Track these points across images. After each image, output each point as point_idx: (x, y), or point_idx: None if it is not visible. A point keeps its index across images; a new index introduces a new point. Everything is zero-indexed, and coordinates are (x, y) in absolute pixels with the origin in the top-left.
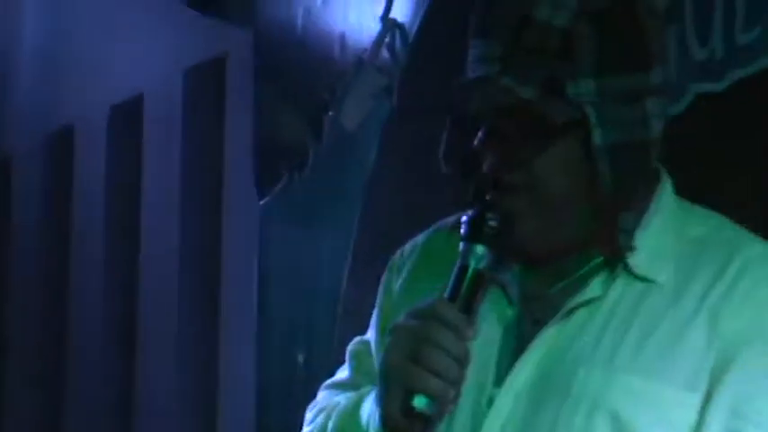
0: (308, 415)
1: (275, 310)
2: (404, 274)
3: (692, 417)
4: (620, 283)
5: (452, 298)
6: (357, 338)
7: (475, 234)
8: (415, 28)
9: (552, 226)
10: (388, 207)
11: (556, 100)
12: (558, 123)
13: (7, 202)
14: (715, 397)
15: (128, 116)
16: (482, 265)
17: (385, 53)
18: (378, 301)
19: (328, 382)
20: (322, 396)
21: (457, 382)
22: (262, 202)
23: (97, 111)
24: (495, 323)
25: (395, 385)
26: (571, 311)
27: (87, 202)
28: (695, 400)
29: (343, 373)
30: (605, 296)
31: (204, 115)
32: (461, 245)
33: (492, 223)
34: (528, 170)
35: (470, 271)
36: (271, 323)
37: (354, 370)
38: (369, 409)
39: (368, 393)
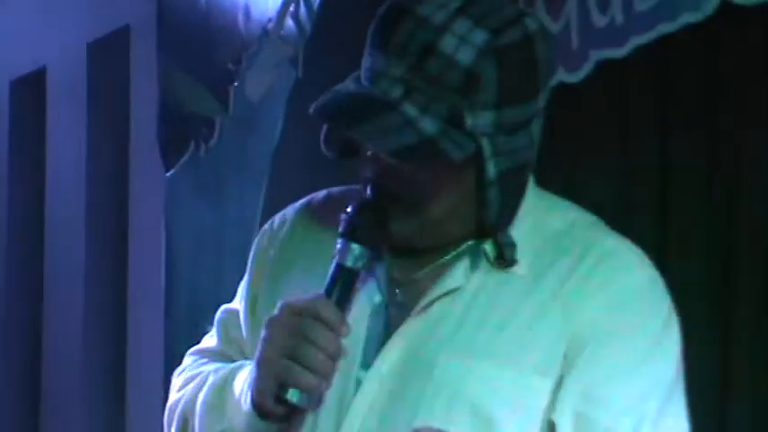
0: (176, 380)
1: (182, 280)
2: (274, 248)
3: (544, 401)
4: (481, 273)
5: (328, 294)
6: (225, 306)
7: (352, 232)
8: None
9: (427, 233)
10: (294, 177)
11: (455, 133)
12: (455, 160)
13: None
14: (566, 381)
15: (30, 90)
16: (359, 264)
17: (290, 23)
18: (248, 271)
19: (195, 348)
20: (189, 362)
21: (330, 376)
22: (168, 174)
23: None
24: (363, 307)
25: (270, 377)
26: (434, 299)
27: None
28: (547, 385)
29: (210, 341)
30: (467, 285)
31: (109, 88)
32: (339, 242)
33: (367, 218)
34: (412, 188)
35: (347, 270)
36: (178, 293)
37: (222, 339)
38: (241, 386)
39: (239, 368)
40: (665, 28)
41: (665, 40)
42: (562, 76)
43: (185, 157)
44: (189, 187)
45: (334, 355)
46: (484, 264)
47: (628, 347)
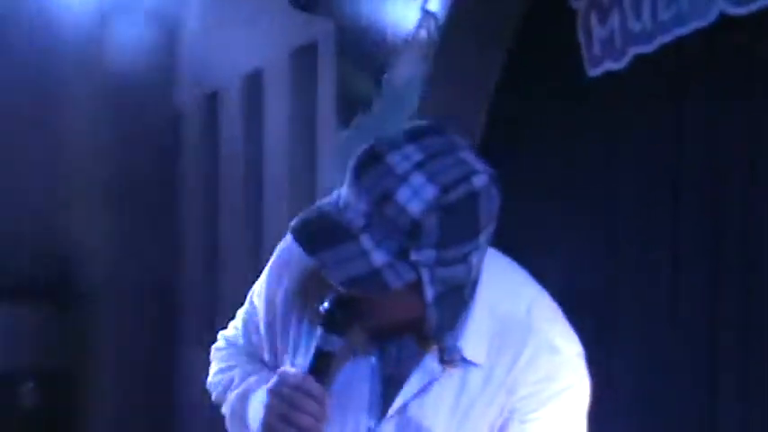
0: (215, 354)
1: None
2: (292, 264)
3: None
4: (454, 363)
5: (312, 370)
6: (247, 308)
7: (330, 327)
8: (444, 15)
9: (391, 331)
10: None
11: (400, 264)
12: (394, 289)
13: (177, 150)
14: None
15: (253, 84)
16: (336, 347)
17: (423, 34)
18: (267, 278)
19: (227, 335)
20: (222, 344)
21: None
22: (344, 133)
23: (233, 80)
24: (363, 367)
25: None
26: (416, 391)
27: (231, 147)
28: None
29: (237, 335)
30: (440, 376)
31: (305, 83)
32: (319, 331)
33: (342, 314)
34: (369, 301)
35: (326, 353)
36: None
37: (246, 340)
38: (255, 414)
39: (255, 388)
40: (681, 31)
41: (680, 41)
42: (609, 65)
43: (354, 122)
44: (357, 143)
45: (321, 419)
46: (450, 357)
47: (547, 411)
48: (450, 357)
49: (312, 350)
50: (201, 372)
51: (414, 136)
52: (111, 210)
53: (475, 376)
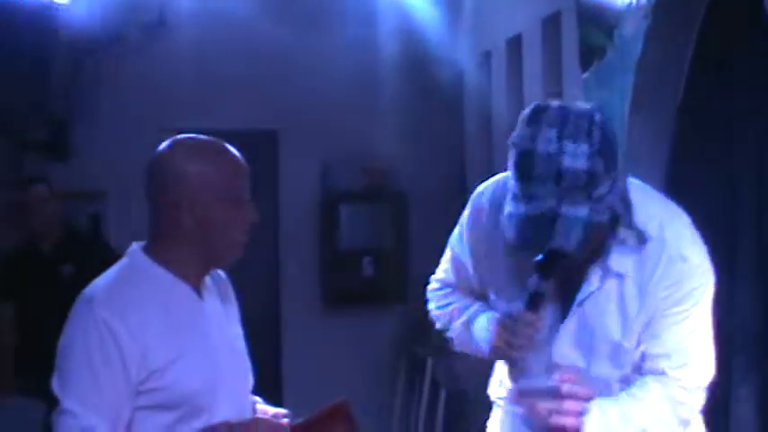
0: (431, 295)
1: None
2: (483, 218)
3: (635, 355)
4: (607, 277)
5: (529, 306)
6: (449, 256)
7: (544, 274)
8: None
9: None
10: (650, 73)
11: (596, 205)
12: (603, 224)
13: (461, 98)
14: (643, 335)
15: (514, 46)
16: (546, 289)
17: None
18: (467, 228)
19: (438, 278)
20: (437, 286)
21: (529, 349)
22: (584, 75)
23: (500, 43)
24: (555, 291)
25: (497, 355)
26: (585, 298)
27: (498, 97)
28: (635, 345)
29: (448, 275)
30: (601, 286)
31: (551, 42)
32: (535, 278)
33: (552, 266)
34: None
35: (540, 293)
36: None
37: (457, 277)
38: (480, 334)
39: (476, 316)
40: None
41: None
42: None
43: (592, 67)
44: (595, 82)
45: (533, 339)
46: (607, 272)
47: (681, 308)
48: (642, 239)
49: (528, 292)
50: None
51: (534, 117)
52: (415, 142)
53: (628, 284)
